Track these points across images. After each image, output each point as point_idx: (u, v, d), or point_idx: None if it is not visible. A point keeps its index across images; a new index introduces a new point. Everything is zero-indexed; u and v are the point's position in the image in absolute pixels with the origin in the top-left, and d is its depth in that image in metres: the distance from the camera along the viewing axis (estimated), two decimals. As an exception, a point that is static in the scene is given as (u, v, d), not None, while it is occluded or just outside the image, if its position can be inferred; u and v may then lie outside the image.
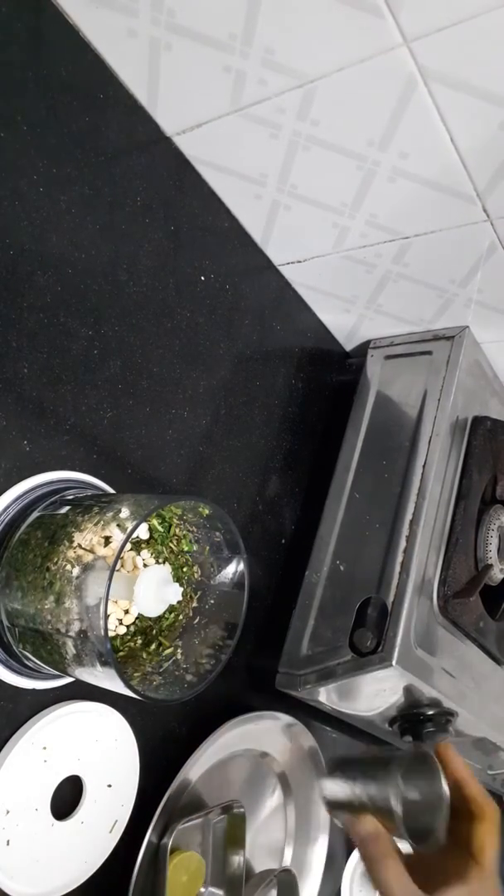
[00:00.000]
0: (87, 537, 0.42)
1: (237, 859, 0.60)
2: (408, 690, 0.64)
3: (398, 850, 0.45)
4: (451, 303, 0.72)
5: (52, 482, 0.50)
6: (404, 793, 0.48)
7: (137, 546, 0.50)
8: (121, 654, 0.48)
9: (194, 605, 0.50)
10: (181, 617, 0.50)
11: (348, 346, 0.85)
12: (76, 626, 0.40)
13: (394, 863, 0.44)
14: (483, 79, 0.48)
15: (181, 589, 0.46)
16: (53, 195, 0.53)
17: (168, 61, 0.55)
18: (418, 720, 0.69)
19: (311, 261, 0.72)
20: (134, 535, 0.47)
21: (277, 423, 0.74)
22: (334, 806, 0.51)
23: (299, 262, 0.73)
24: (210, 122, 0.59)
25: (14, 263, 0.50)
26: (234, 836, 0.60)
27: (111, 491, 0.54)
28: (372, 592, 0.63)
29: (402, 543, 0.64)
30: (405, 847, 0.46)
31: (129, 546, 0.49)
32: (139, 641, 0.49)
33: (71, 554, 0.42)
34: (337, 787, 0.51)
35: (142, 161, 0.60)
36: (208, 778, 0.61)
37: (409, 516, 0.65)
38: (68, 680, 0.50)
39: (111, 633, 0.48)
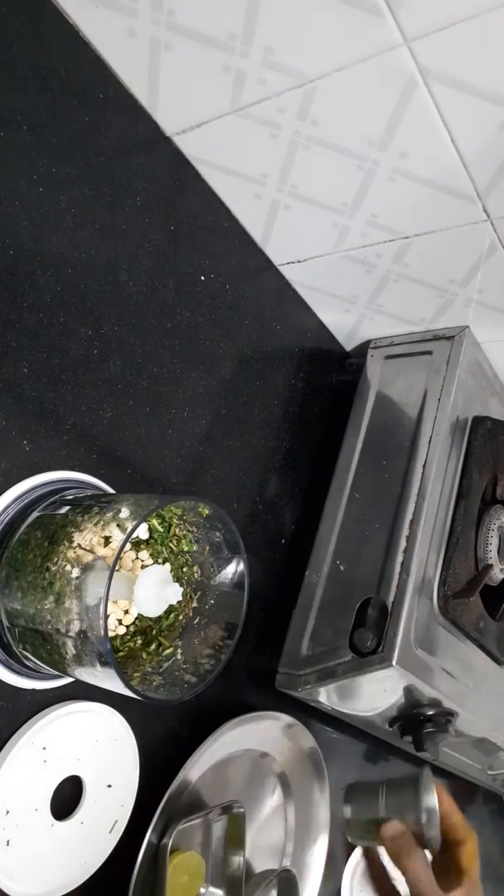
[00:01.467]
0: (86, 537, 0.42)
1: (237, 859, 0.60)
2: (408, 691, 0.64)
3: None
4: (451, 303, 0.72)
5: (51, 482, 0.50)
6: (416, 803, 0.62)
7: (137, 546, 0.50)
8: (121, 654, 0.48)
9: (194, 605, 0.50)
10: (181, 617, 0.50)
11: (348, 346, 0.85)
12: (76, 626, 0.40)
13: (417, 854, 0.57)
14: (483, 79, 0.48)
15: (181, 589, 0.46)
16: (53, 195, 0.52)
17: (168, 61, 0.55)
18: (418, 720, 0.69)
19: (311, 261, 0.72)
20: (134, 535, 0.47)
21: (277, 423, 0.74)
22: (353, 830, 0.65)
23: (299, 261, 0.73)
24: (210, 122, 0.59)
25: (14, 263, 0.50)
26: (234, 836, 0.60)
27: (111, 491, 0.54)
28: (372, 592, 0.63)
29: (403, 543, 0.64)
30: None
31: (128, 546, 0.49)
32: (139, 641, 0.49)
33: (71, 554, 0.42)
34: (358, 808, 0.65)
35: (142, 161, 0.60)
36: (208, 778, 0.61)
37: (409, 516, 0.65)
38: (68, 680, 0.50)
39: (111, 633, 0.48)
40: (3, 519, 0.47)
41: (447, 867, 0.59)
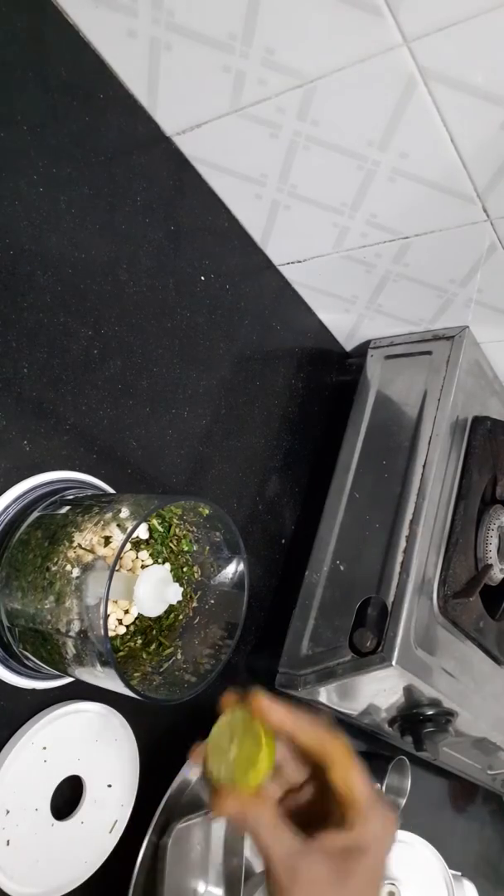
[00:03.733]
0: (87, 537, 0.42)
1: (236, 859, 0.60)
2: (408, 690, 0.64)
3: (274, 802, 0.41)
4: (450, 303, 0.72)
5: (52, 482, 0.50)
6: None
7: (137, 546, 0.50)
8: (121, 654, 0.49)
9: (194, 605, 0.50)
10: (181, 617, 0.50)
11: (348, 346, 0.85)
12: (76, 626, 0.40)
13: (265, 821, 0.38)
14: (483, 79, 0.48)
15: (181, 589, 0.46)
16: (53, 195, 0.53)
17: (168, 61, 0.55)
18: (418, 720, 0.69)
19: (311, 261, 0.72)
20: (134, 535, 0.47)
21: (277, 423, 0.74)
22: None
23: (299, 261, 0.73)
24: (210, 122, 0.59)
25: (14, 263, 0.50)
26: (234, 835, 0.60)
27: (111, 491, 0.54)
28: (372, 592, 0.63)
29: (402, 543, 0.64)
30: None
31: (128, 546, 0.49)
32: (139, 641, 0.49)
33: (71, 554, 0.42)
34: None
35: (142, 161, 0.60)
36: (208, 778, 0.61)
37: (409, 516, 0.65)
38: (68, 680, 0.50)
39: (111, 633, 0.48)
40: (3, 519, 0.47)
41: (319, 804, 0.41)
